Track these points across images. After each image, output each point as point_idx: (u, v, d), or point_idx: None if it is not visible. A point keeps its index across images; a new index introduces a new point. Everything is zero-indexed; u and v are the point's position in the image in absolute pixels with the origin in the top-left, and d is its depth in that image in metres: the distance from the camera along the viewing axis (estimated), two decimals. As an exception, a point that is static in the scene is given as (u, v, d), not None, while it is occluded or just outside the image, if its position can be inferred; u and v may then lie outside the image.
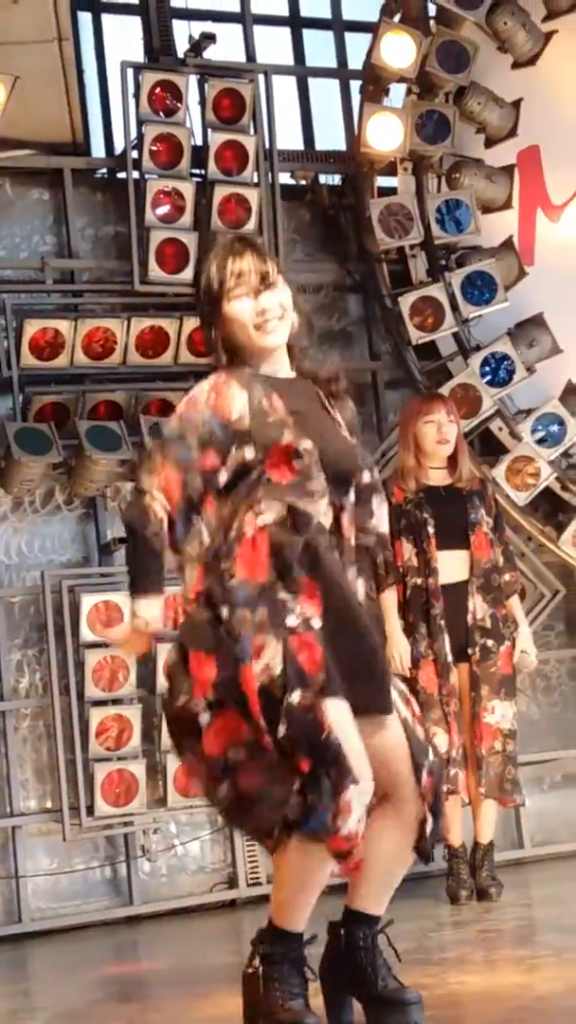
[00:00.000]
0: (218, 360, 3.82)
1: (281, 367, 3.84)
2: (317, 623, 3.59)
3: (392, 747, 3.69)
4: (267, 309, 3.76)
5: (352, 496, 3.77)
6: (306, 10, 8.21)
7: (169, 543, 3.70)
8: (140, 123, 7.12)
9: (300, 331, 3.86)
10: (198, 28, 7.50)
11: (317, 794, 3.49)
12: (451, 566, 6.20)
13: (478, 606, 6.19)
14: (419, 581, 6.19)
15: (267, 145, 7.40)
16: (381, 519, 3.86)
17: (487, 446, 7.52)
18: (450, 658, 6.14)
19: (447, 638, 6.13)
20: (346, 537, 3.75)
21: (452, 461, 6.32)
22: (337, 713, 3.54)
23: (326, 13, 8.20)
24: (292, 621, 3.57)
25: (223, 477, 3.66)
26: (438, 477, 6.32)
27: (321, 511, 3.68)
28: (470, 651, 6.17)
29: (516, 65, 7.73)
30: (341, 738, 3.51)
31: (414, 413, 6.35)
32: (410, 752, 3.68)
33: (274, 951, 3.67)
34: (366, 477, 3.80)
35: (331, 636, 3.61)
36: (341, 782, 3.49)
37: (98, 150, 7.63)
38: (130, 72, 7.14)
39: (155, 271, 7.06)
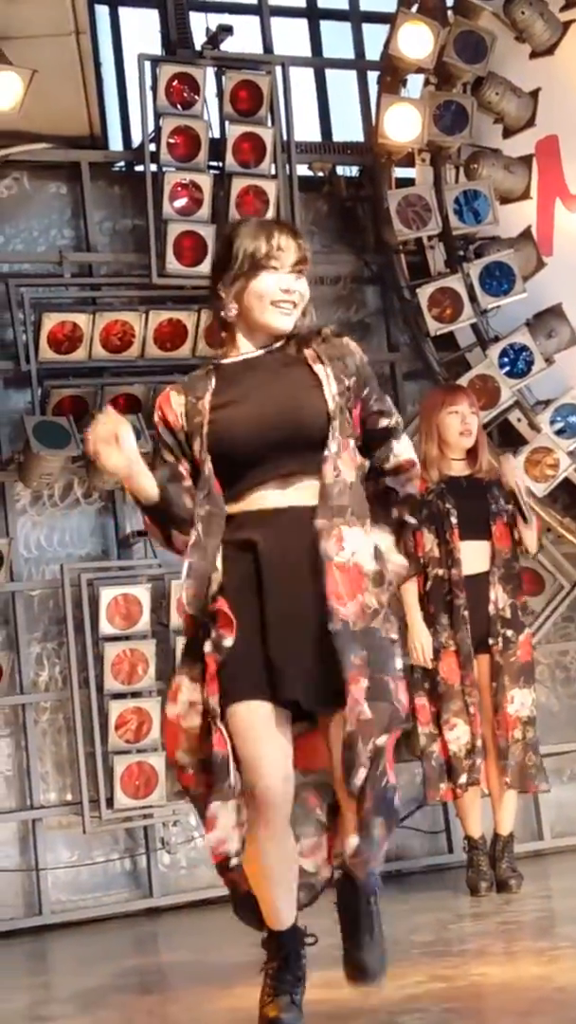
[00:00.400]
0: (226, 317, 3.83)
1: (264, 343, 3.86)
2: (228, 641, 3.62)
3: (330, 749, 3.66)
4: (292, 290, 3.81)
5: (332, 446, 3.71)
6: (323, 1, 8.20)
7: None
8: (157, 116, 7.12)
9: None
10: (215, 20, 7.51)
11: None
12: (473, 557, 6.19)
13: (499, 596, 6.18)
14: (441, 572, 6.19)
15: (284, 137, 7.39)
16: (397, 452, 3.88)
17: (506, 437, 7.50)
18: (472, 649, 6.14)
19: (469, 629, 6.13)
20: (337, 484, 3.71)
21: (471, 453, 6.32)
22: (236, 720, 3.59)
23: (343, 4, 8.17)
24: (207, 647, 3.65)
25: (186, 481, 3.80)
26: (458, 468, 6.32)
27: (259, 499, 3.70)
28: (491, 641, 6.16)
29: (534, 55, 7.70)
30: (236, 747, 3.57)
31: (437, 404, 6.35)
32: (341, 760, 3.60)
33: (267, 949, 3.73)
34: (334, 427, 3.74)
35: (256, 637, 3.63)
36: (208, 796, 3.57)
37: (115, 143, 7.64)
38: (147, 65, 7.14)
39: (173, 264, 7.06)
